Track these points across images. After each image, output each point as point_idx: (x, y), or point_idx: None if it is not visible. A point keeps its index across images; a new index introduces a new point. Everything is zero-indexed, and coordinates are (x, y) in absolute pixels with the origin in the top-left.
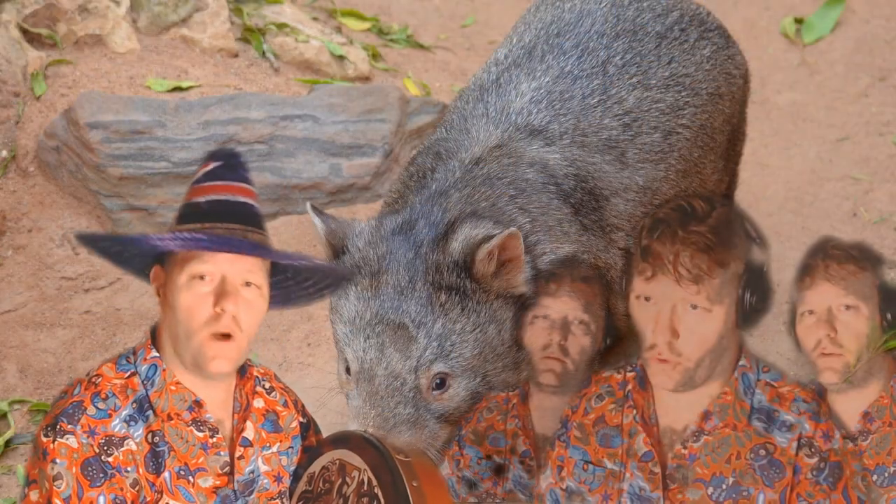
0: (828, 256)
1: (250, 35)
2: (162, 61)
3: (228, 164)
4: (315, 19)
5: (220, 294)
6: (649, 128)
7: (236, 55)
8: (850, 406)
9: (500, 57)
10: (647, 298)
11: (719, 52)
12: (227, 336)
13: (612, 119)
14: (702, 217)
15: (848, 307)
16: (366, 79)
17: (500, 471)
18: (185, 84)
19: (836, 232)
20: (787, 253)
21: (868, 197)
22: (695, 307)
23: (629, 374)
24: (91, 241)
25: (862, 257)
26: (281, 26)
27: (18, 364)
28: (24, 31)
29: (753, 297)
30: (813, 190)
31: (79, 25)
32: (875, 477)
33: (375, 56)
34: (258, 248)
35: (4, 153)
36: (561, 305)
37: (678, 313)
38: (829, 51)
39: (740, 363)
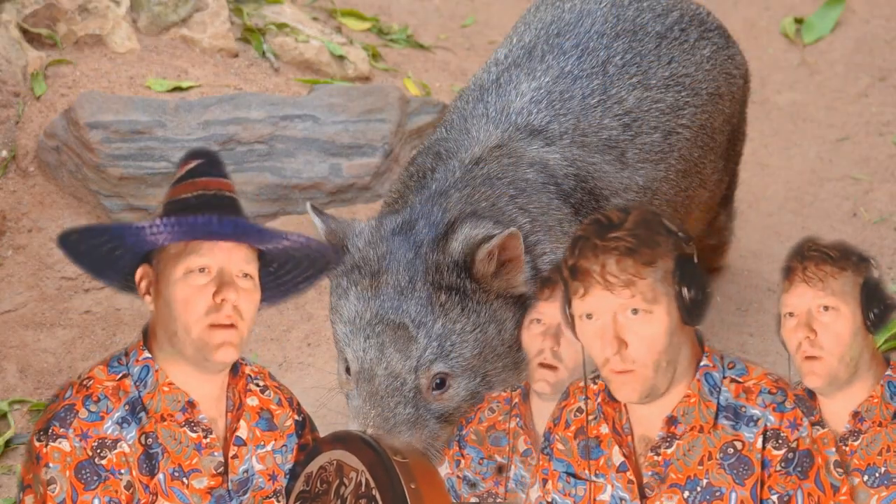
0: (805, 258)
1: (250, 35)
2: (162, 61)
3: (210, 161)
4: (315, 19)
5: (221, 284)
6: (649, 128)
7: (236, 55)
8: (839, 405)
9: (500, 57)
10: (588, 316)
11: (719, 52)
12: (230, 325)
13: (612, 119)
14: (618, 224)
15: (827, 308)
16: (366, 79)
17: (501, 470)
18: (185, 84)
19: (836, 232)
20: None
21: (868, 197)
22: (635, 311)
23: (601, 384)
24: (76, 242)
25: (841, 257)
26: (281, 26)
27: (18, 364)
28: (24, 31)
29: (691, 291)
30: (813, 190)
31: (79, 25)
32: (865, 477)
33: (375, 56)
34: (266, 232)
35: (4, 153)
36: (555, 310)
37: (620, 322)
38: (829, 51)
39: (702, 363)
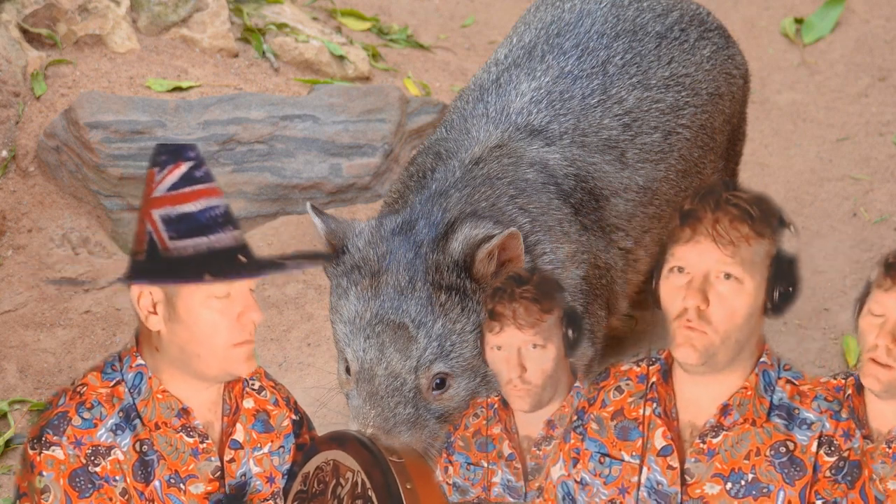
0: None
1: (250, 35)
2: (162, 61)
3: (200, 162)
4: (315, 19)
5: (244, 306)
6: (649, 128)
7: (236, 55)
8: (889, 408)
9: (500, 57)
10: (679, 269)
11: (719, 52)
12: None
13: (612, 119)
14: (743, 190)
15: None
16: (366, 79)
17: (487, 475)
18: (185, 84)
19: (836, 232)
20: None
21: (868, 197)
22: (728, 276)
23: (652, 368)
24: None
25: None
26: (281, 26)
27: (18, 364)
28: (24, 31)
29: (782, 284)
30: (813, 190)
31: (79, 25)
32: None
33: (375, 56)
34: (274, 265)
35: (4, 153)
36: (510, 339)
37: (711, 281)
38: (829, 51)
39: (761, 360)
